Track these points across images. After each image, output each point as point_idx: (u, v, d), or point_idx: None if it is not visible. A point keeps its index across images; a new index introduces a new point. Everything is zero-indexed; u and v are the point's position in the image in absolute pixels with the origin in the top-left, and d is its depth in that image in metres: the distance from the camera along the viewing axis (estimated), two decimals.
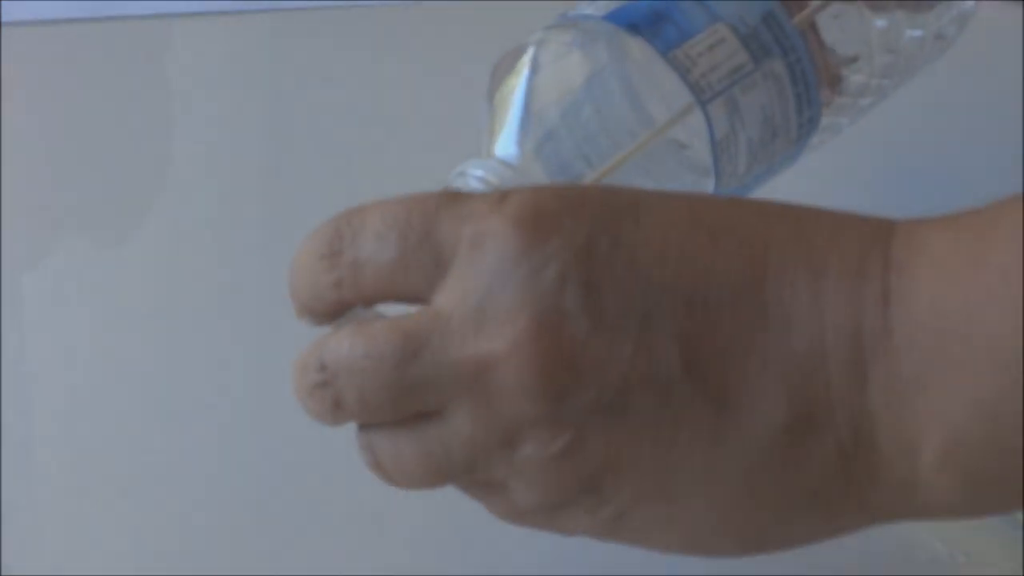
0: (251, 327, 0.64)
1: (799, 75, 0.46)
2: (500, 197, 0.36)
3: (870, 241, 0.36)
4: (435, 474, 0.39)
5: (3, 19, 0.84)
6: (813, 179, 0.73)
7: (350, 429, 0.58)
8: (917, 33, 0.53)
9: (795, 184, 0.72)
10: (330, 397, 0.39)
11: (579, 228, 0.35)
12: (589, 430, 0.36)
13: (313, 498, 0.54)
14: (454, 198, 0.37)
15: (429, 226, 0.37)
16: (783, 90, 0.46)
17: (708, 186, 0.45)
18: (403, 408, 0.39)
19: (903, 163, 0.74)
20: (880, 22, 0.51)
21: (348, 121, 0.78)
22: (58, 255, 0.68)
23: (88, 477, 0.54)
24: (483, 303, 0.36)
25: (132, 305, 0.64)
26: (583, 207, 0.35)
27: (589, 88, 0.44)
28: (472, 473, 0.39)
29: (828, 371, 0.35)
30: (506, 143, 0.45)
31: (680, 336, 0.35)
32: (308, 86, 0.83)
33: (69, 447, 0.56)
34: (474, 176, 0.44)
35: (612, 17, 0.45)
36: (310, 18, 0.89)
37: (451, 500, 0.54)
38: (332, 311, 0.40)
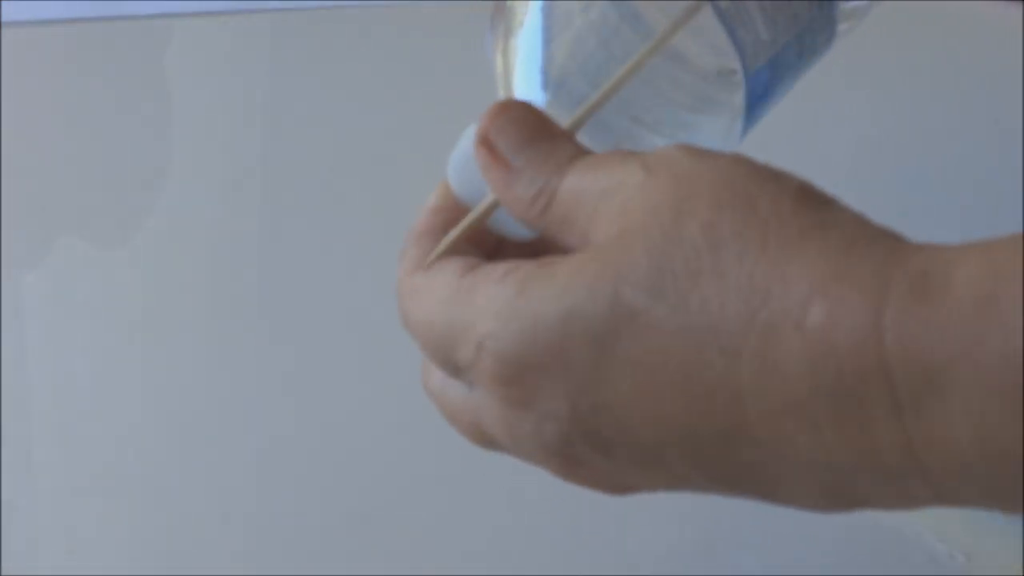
0: (250, 327, 0.64)
1: None
2: (476, 349, 0.38)
3: (857, 372, 0.33)
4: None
5: (3, 19, 0.84)
6: (812, 179, 0.73)
7: (348, 434, 0.58)
8: None
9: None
10: None
11: (555, 390, 0.37)
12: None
13: (313, 498, 0.54)
14: (451, 343, 0.39)
15: (451, 369, 0.40)
16: None
17: (736, 70, 0.43)
18: None
19: (903, 163, 0.74)
20: None
21: (348, 121, 0.78)
22: (58, 255, 0.68)
23: (88, 477, 0.54)
24: (512, 434, 0.39)
25: (132, 305, 0.64)
26: (547, 365, 0.37)
27: (589, 18, 0.44)
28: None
29: (865, 490, 0.35)
30: (525, 91, 0.45)
31: (693, 467, 0.38)
32: (308, 86, 0.83)
33: (69, 447, 0.56)
34: None
35: None
36: (310, 18, 0.89)
37: (447, 502, 0.54)
38: None
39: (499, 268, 0.39)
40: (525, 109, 0.41)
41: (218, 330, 0.63)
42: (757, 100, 0.44)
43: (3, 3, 0.85)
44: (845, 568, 0.52)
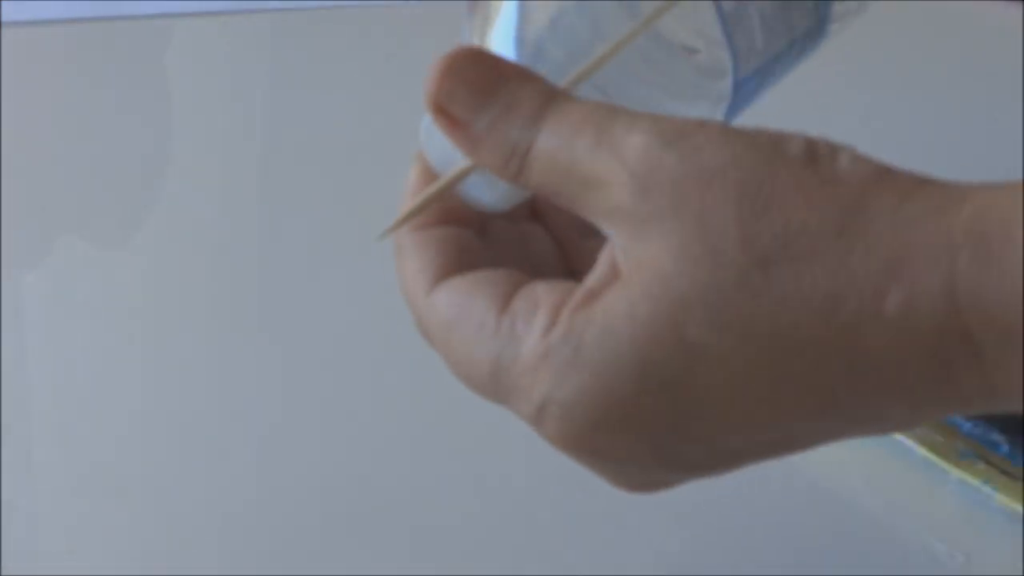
0: (250, 327, 0.64)
1: None
2: (537, 412, 0.37)
3: (941, 345, 0.34)
4: None
5: (3, 19, 0.84)
6: None
7: (349, 433, 0.58)
8: None
9: None
10: None
11: (633, 444, 0.36)
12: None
13: (314, 498, 0.54)
14: (504, 396, 0.38)
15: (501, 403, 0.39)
16: None
17: (725, 67, 0.42)
18: None
19: (902, 163, 0.74)
20: None
21: (348, 121, 0.78)
22: (58, 255, 0.68)
23: (88, 477, 0.54)
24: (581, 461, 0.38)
25: (132, 305, 0.64)
26: (623, 422, 0.36)
27: None
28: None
29: (936, 416, 0.37)
30: (501, 39, 0.42)
31: (776, 455, 0.37)
32: (308, 86, 0.83)
33: (69, 447, 0.56)
34: None
35: None
36: (310, 18, 0.89)
37: (449, 504, 0.54)
38: None
39: (538, 316, 0.37)
40: (472, 59, 0.38)
41: (218, 330, 0.63)
42: (742, 103, 0.44)
43: (3, 3, 0.85)
44: (845, 568, 0.52)
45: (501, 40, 0.42)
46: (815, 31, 0.44)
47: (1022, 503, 0.53)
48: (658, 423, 0.36)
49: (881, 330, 0.34)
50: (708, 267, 0.34)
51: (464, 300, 0.38)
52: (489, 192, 0.40)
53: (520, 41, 0.41)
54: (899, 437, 0.56)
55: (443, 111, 0.38)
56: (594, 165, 0.36)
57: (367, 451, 0.56)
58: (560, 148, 0.37)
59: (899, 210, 0.34)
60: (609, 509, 0.53)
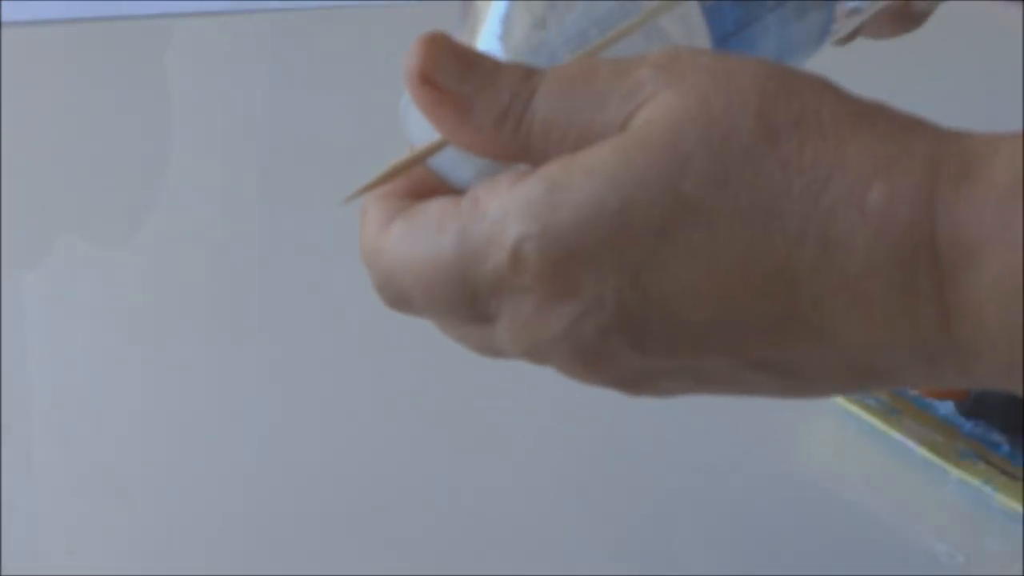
0: (250, 327, 0.64)
1: None
2: (512, 257, 0.36)
3: (910, 248, 0.34)
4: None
5: (3, 19, 0.84)
6: None
7: (349, 433, 0.58)
8: None
9: None
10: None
11: (603, 282, 0.36)
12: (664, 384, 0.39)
13: (313, 498, 0.54)
14: (472, 262, 0.37)
15: (467, 298, 0.37)
16: None
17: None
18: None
19: None
20: None
21: (348, 121, 0.78)
22: (58, 255, 0.68)
23: (88, 477, 0.54)
24: (537, 336, 0.37)
25: (132, 305, 0.64)
26: (599, 256, 0.36)
27: None
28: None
29: (896, 367, 0.36)
30: (488, 40, 0.41)
31: (732, 354, 0.37)
32: (308, 86, 0.83)
33: (69, 447, 0.56)
34: None
35: None
36: (310, 18, 0.89)
37: (450, 505, 0.54)
38: None
39: (501, 180, 0.36)
40: (449, 39, 0.38)
41: (218, 330, 0.63)
42: (724, 40, 0.42)
43: (3, 3, 0.85)
44: (845, 568, 0.52)
45: (485, 45, 0.41)
46: None
47: (1022, 503, 0.53)
48: (630, 265, 0.35)
49: (858, 221, 0.35)
50: (722, 128, 0.35)
51: (418, 212, 0.38)
52: (464, 167, 0.40)
53: (505, 47, 0.41)
54: (899, 437, 0.56)
55: (428, 80, 0.38)
56: (620, 73, 0.37)
57: (367, 451, 0.56)
58: (568, 85, 0.37)
59: (905, 125, 0.36)
60: (609, 509, 0.54)
